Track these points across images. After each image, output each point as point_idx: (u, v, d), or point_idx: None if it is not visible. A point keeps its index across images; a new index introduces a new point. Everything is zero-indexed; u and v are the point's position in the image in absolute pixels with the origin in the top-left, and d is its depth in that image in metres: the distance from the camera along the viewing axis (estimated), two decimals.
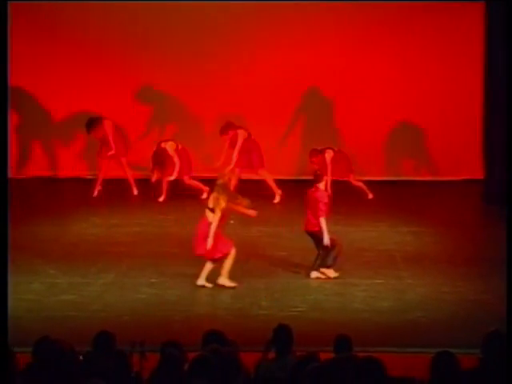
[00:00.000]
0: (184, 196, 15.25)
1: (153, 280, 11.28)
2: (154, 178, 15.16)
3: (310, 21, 16.16)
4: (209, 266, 11.09)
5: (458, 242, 12.89)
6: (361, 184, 15.23)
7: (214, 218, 10.95)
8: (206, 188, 15.17)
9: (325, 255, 11.36)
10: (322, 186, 11.55)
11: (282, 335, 6.93)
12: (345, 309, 10.32)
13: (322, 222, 11.29)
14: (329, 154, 14.87)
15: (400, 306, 10.37)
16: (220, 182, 11.10)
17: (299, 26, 16.19)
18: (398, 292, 10.83)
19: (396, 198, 15.42)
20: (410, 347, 9.06)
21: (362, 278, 11.27)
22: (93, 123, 15.25)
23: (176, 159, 14.99)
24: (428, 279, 11.24)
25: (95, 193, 15.40)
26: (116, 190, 15.53)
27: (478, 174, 15.76)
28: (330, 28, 16.22)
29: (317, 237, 11.39)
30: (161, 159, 15.06)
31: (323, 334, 8.78)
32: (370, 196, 15.19)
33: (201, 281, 11.05)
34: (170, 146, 15.08)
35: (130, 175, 15.45)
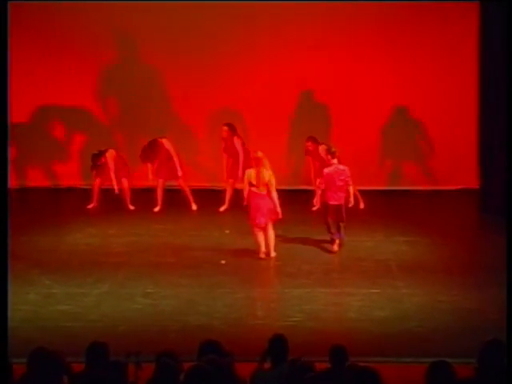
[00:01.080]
0: (180, 206, 15.24)
1: (149, 290, 11.25)
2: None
3: (306, 21, 16.05)
4: (263, 238, 12.45)
5: (453, 252, 12.87)
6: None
7: (273, 189, 12.30)
8: (193, 202, 15.22)
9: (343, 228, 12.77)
10: (336, 161, 12.78)
11: (278, 345, 6.91)
12: (341, 318, 10.30)
13: (351, 189, 12.81)
14: (322, 148, 14.91)
15: (396, 316, 10.34)
16: (260, 154, 12.44)
17: (295, 27, 16.09)
18: (394, 301, 10.80)
19: (392, 208, 15.42)
20: (406, 357, 9.02)
21: (358, 288, 11.25)
22: (97, 157, 15.31)
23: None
24: (424, 288, 11.22)
25: (90, 206, 15.40)
26: (112, 200, 15.50)
27: (474, 183, 15.77)
28: (324, 30, 16.11)
29: (341, 209, 12.66)
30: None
31: (319, 344, 8.75)
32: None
33: (270, 253, 12.48)
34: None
35: (128, 195, 15.40)
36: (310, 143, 15.20)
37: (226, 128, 15.25)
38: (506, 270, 9.07)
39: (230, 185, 15.33)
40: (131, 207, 15.32)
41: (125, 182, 15.36)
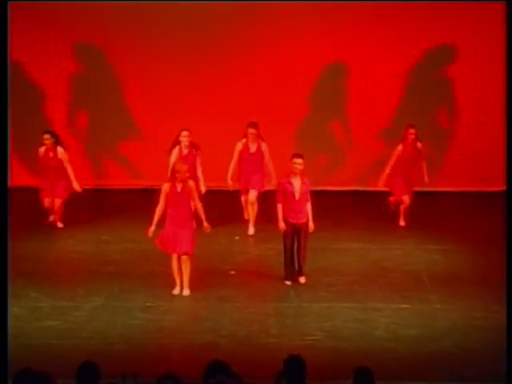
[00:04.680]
0: None
1: (148, 304, 11.29)
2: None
3: (316, 15, 16.34)
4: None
5: (491, 261, 12.89)
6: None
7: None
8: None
9: None
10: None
11: (294, 367, 6.91)
12: (365, 337, 10.31)
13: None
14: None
15: (428, 334, 10.38)
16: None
17: (303, 20, 16.36)
18: (426, 318, 10.84)
19: (423, 212, 15.39)
20: (439, 381, 9.08)
21: (385, 303, 11.29)
22: None
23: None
24: (459, 303, 11.27)
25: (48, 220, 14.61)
26: (106, 201, 15.58)
27: None
28: (345, 19, 16.42)
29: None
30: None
31: (341, 366, 8.79)
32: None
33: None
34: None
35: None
36: (413, 130, 14.72)
37: (253, 130, 14.15)
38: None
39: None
40: None
41: None
